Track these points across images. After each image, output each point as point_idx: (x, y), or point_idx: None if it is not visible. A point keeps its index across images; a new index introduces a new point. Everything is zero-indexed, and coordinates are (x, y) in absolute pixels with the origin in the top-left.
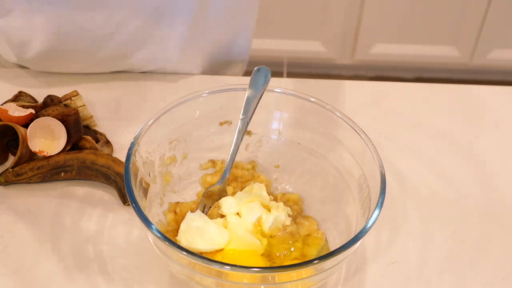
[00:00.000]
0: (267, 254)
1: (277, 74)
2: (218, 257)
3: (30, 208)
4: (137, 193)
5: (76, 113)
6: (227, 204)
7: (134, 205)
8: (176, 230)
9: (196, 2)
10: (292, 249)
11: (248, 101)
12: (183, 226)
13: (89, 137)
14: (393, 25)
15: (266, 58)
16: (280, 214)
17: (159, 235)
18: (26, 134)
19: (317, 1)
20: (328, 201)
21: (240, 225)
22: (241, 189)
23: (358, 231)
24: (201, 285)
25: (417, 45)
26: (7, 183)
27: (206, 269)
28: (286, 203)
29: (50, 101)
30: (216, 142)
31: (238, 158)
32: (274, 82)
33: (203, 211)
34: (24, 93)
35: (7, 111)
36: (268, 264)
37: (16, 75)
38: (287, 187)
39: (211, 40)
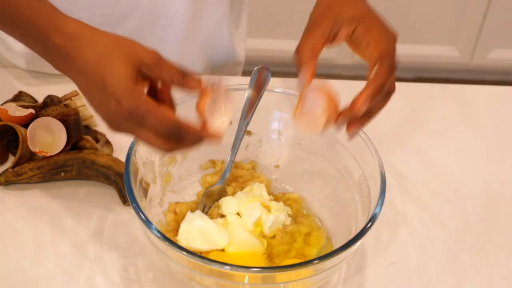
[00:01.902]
0: (267, 255)
1: (278, 74)
2: (218, 258)
3: (30, 208)
4: (137, 193)
5: (76, 113)
6: (227, 204)
7: (134, 205)
8: (176, 230)
9: (190, 5)
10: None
11: (248, 101)
12: (183, 226)
13: (89, 137)
14: (393, 25)
15: (266, 58)
16: (280, 214)
17: (159, 235)
18: (26, 134)
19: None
20: (328, 201)
21: (240, 225)
22: (241, 189)
23: (358, 231)
24: (201, 285)
25: (417, 45)
26: (7, 183)
27: (206, 269)
28: (286, 202)
29: (50, 101)
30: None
31: (238, 158)
32: (274, 82)
33: (203, 211)
34: (24, 93)
35: (7, 111)
36: (268, 265)
37: (16, 75)
38: (287, 187)
39: (206, 42)
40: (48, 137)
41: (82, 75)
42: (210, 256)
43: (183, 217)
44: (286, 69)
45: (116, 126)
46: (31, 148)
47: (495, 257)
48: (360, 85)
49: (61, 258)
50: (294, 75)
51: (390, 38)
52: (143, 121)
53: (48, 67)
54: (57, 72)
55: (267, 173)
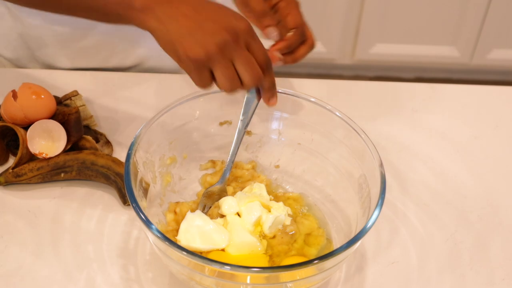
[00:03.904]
0: (267, 255)
1: (277, 74)
2: (218, 258)
3: (30, 208)
4: (137, 193)
5: (77, 112)
6: (227, 204)
7: (134, 205)
8: (176, 230)
9: None
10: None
11: (248, 102)
12: (183, 226)
13: (89, 137)
14: (393, 25)
15: None
16: (280, 214)
17: (159, 235)
18: (25, 136)
19: (317, 1)
20: (328, 201)
21: (240, 225)
22: (241, 189)
23: (358, 231)
24: (201, 285)
25: (417, 45)
26: (7, 183)
27: (206, 269)
28: (286, 202)
29: None
30: (216, 142)
31: (238, 158)
32: None
33: (203, 211)
34: None
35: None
36: (268, 265)
37: (16, 75)
38: (287, 187)
39: None
40: (48, 139)
41: (189, 5)
42: (210, 256)
43: (183, 217)
44: (286, 69)
45: (223, 41)
46: (31, 150)
47: (495, 257)
48: (360, 85)
49: (61, 258)
50: (294, 75)
51: (301, 13)
52: (253, 40)
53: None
54: (58, 69)
55: (267, 173)
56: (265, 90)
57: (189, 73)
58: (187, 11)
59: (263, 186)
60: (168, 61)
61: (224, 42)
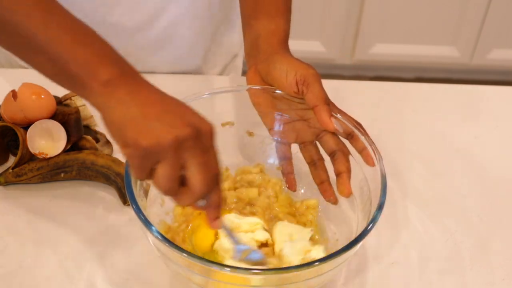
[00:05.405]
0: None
1: None
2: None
3: (30, 208)
4: (138, 193)
5: (77, 111)
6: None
7: (134, 205)
8: (184, 223)
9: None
10: None
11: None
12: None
13: (89, 137)
14: (393, 25)
15: None
16: (318, 251)
17: (158, 236)
18: (25, 136)
19: (317, 1)
20: (329, 205)
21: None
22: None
23: (358, 233)
24: (201, 286)
25: (417, 45)
26: (7, 183)
27: (205, 270)
28: (307, 211)
29: None
30: (218, 143)
31: (242, 162)
32: None
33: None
34: None
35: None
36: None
37: (15, 75)
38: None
39: (209, 39)
40: (48, 139)
41: (157, 94)
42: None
43: (191, 210)
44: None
45: (183, 135)
46: (31, 150)
47: (495, 257)
48: (360, 85)
49: (61, 259)
50: None
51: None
52: (212, 147)
53: None
54: None
55: (271, 175)
56: (211, 206)
57: (129, 159)
58: (153, 97)
59: (266, 233)
60: (168, 61)
61: (183, 136)
